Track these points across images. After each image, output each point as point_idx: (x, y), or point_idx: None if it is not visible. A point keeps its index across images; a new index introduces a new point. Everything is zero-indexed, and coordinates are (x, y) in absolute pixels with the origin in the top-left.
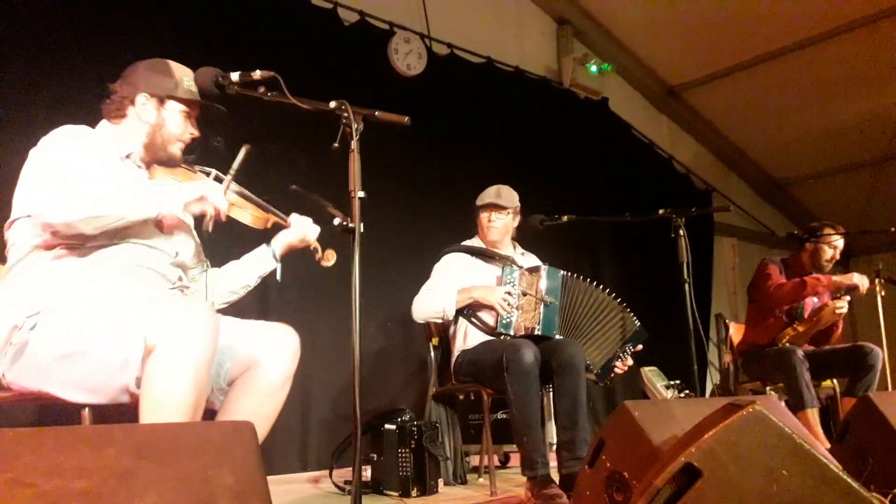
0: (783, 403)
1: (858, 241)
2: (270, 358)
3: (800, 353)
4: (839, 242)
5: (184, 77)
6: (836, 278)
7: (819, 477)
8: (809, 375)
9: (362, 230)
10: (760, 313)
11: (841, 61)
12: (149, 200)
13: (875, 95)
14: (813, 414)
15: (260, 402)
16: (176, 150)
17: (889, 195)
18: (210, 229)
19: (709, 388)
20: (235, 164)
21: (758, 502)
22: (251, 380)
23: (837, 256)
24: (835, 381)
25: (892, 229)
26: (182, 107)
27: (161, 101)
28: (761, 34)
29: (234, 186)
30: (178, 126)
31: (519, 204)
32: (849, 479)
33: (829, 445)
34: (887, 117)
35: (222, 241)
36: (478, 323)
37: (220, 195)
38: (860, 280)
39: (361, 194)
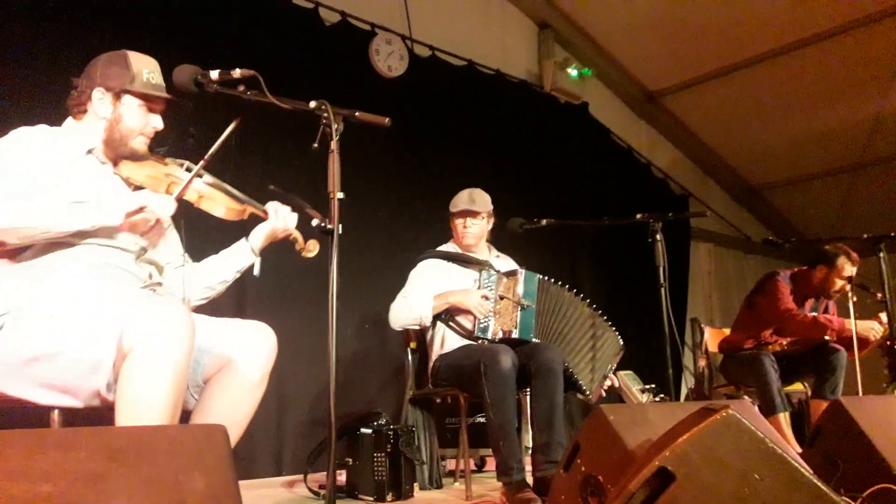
0: (756, 408)
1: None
2: (247, 355)
3: (771, 358)
4: (852, 271)
5: (143, 70)
6: (848, 325)
7: (790, 481)
8: (780, 381)
9: (341, 231)
10: (754, 322)
11: (818, 68)
12: (85, 214)
13: (851, 102)
14: (784, 418)
15: (236, 401)
16: (139, 144)
17: (863, 202)
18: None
19: (683, 392)
20: (209, 153)
21: None
22: (227, 378)
23: (847, 289)
24: (806, 384)
25: (865, 236)
26: (139, 101)
27: (117, 95)
28: (740, 41)
29: (208, 178)
30: (136, 120)
31: (492, 207)
32: (819, 483)
33: (800, 450)
34: (863, 124)
35: (201, 236)
36: (455, 327)
37: (165, 204)
38: (872, 331)
39: (340, 195)
